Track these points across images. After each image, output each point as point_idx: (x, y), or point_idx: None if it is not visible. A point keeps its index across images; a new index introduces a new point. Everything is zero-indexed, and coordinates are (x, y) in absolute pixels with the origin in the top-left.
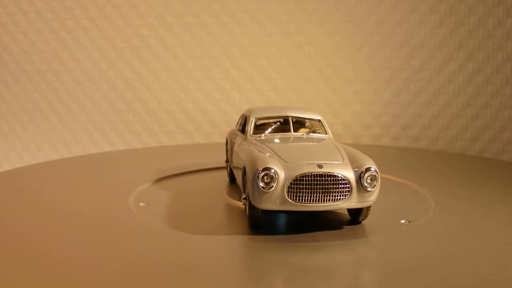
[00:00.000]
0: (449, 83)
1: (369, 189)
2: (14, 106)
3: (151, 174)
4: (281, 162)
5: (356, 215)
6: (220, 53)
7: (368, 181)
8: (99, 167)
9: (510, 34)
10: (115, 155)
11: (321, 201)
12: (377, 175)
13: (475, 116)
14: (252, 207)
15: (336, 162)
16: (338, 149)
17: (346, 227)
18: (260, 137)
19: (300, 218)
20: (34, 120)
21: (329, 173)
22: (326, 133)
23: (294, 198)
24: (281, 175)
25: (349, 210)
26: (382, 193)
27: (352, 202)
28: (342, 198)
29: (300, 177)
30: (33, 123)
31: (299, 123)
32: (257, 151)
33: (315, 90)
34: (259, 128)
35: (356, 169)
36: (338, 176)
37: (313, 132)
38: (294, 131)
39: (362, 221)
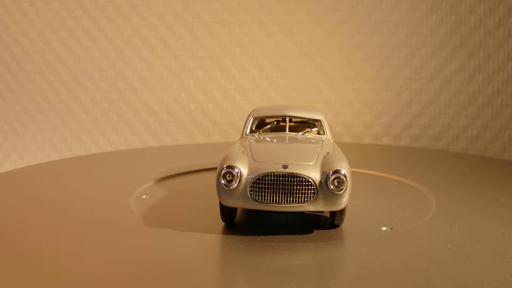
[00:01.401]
0: (450, 82)
1: (336, 192)
2: (15, 106)
3: (152, 174)
4: (250, 161)
5: (332, 219)
6: (221, 53)
7: (335, 184)
8: (100, 167)
9: (511, 33)
10: (116, 155)
11: (284, 202)
12: (344, 179)
13: (476, 115)
14: (220, 203)
15: (306, 163)
16: (321, 151)
17: (320, 231)
18: (253, 136)
19: (287, 218)
20: (35, 120)
21: (292, 174)
22: (324, 133)
23: (257, 197)
24: (245, 174)
25: (330, 213)
26: (385, 193)
27: (318, 205)
28: (307, 200)
29: (262, 176)
30: (34, 123)
31: (299, 123)
32: (235, 149)
33: (316, 89)
34: (260, 127)
35: (324, 171)
36: (301, 177)
37: (310, 132)
38: (292, 131)
39: (352, 223)
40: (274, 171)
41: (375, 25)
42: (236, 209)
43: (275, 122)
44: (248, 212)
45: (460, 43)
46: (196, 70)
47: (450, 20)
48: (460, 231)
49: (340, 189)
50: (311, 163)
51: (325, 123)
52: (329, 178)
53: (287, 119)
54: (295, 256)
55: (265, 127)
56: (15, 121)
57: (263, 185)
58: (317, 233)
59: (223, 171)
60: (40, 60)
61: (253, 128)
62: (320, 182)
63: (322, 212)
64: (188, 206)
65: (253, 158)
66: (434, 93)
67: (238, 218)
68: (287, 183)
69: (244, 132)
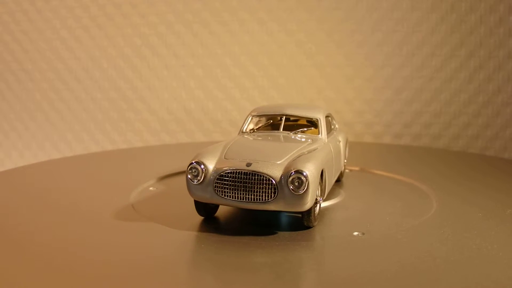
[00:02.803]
0: (450, 80)
1: (296, 192)
2: (15, 105)
3: (153, 173)
4: (219, 158)
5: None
6: (221, 51)
7: (295, 184)
8: (100, 165)
9: None
10: (116, 153)
11: (246, 199)
12: (304, 180)
13: (476, 114)
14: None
15: (272, 162)
16: (301, 150)
17: (290, 232)
18: (247, 134)
19: (272, 217)
20: (35, 119)
21: (253, 172)
22: (319, 133)
23: (221, 193)
24: (211, 170)
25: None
26: (384, 193)
27: (280, 204)
28: (268, 199)
29: (226, 173)
30: (34, 122)
31: (298, 122)
32: (215, 146)
33: (316, 88)
34: (261, 125)
35: (287, 171)
36: (262, 176)
37: (307, 131)
38: (288, 130)
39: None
40: (237, 168)
41: (375, 23)
42: (209, 204)
43: (271, 121)
44: (236, 210)
45: (461, 41)
46: (196, 68)
47: (450, 18)
48: (461, 232)
49: (300, 190)
50: (278, 162)
51: (322, 123)
52: (289, 178)
53: (284, 118)
54: (258, 255)
55: (261, 126)
56: (16, 119)
57: (226, 182)
58: (289, 234)
59: (190, 166)
60: (40, 59)
61: (252, 126)
62: (281, 181)
63: (293, 212)
64: (187, 205)
65: (224, 155)
66: (435, 92)
67: (229, 216)
68: (248, 181)
69: (241, 130)
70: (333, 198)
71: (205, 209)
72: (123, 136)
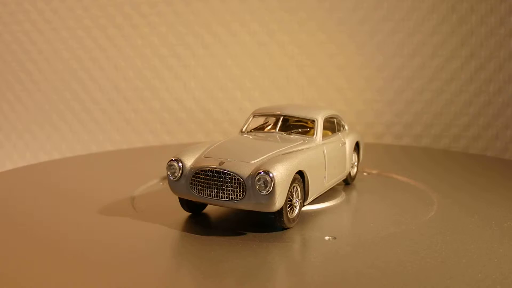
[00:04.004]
0: (451, 81)
1: (262, 193)
2: (16, 105)
3: (153, 173)
4: (199, 156)
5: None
6: (222, 52)
7: (260, 184)
8: (101, 166)
9: None
10: (117, 154)
11: (217, 197)
12: (270, 180)
13: (477, 114)
14: None
15: (245, 162)
16: (283, 151)
17: (261, 234)
18: (245, 133)
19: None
20: (36, 120)
21: (223, 170)
22: (315, 135)
23: (195, 190)
24: (187, 167)
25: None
26: (384, 192)
27: (249, 204)
28: (238, 198)
29: (199, 171)
30: (35, 122)
31: (297, 122)
32: (198, 144)
33: (317, 88)
34: (259, 125)
35: (256, 171)
36: (231, 174)
37: (299, 132)
38: (285, 130)
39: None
40: (209, 167)
41: (376, 24)
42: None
43: (269, 121)
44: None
45: (462, 42)
46: (198, 69)
47: (451, 19)
48: (458, 234)
49: (266, 190)
50: (252, 162)
51: (318, 124)
52: (255, 178)
53: (281, 118)
54: (224, 253)
55: (260, 125)
56: (16, 120)
57: (200, 180)
58: (259, 235)
59: (168, 163)
60: (41, 59)
61: (252, 126)
62: (249, 181)
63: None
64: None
65: (204, 154)
66: (436, 92)
67: (217, 214)
68: (219, 179)
69: (241, 129)
70: (329, 200)
71: (188, 205)
72: (123, 136)
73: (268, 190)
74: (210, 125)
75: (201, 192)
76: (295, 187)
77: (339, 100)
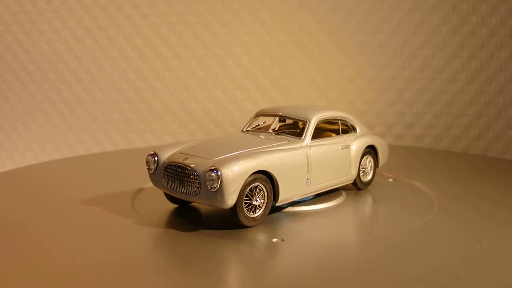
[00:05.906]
0: (452, 81)
1: (211, 189)
2: (16, 106)
3: None
4: (175, 152)
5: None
6: (223, 52)
7: (209, 180)
8: (101, 166)
9: None
10: (118, 154)
11: (179, 191)
12: (216, 178)
13: (478, 115)
14: None
15: (207, 159)
16: (257, 150)
17: (216, 231)
18: (243, 132)
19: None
20: (37, 120)
21: (184, 165)
22: (303, 136)
23: (165, 183)
24: (162, 161)
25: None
26: (383, 192)
27: (203, 199)
28: (194, 192)
29: (167, 165)
30: (36, 122)
31: (293, 123)
32: (185, 142)
33: (317, 89)
34: (257, 125)
35: (209, 168)
36: (188, 170)
37: (291, 133)
38: (278, 130)
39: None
40: (174, 161)
41: (377, 24)
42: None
43: (266, 121)
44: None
45: (462, 42)
46: (198, 69)
47: (452, 19)
48: (460, 234)
49: (213, 187)
50: (214, 159)
51: (309, 125)
52: (205, 174)
53: (277, 118)
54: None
55: (258, 125)
56: (17, 120)
57: (168, 173)
58: (233, 231)
59: (146, 157)
60: (42, 60)
61: (252, 125)
62: (203, 177)
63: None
64: (187, 206)
65: (180, 149)
66: (436, 93)
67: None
68: (180, 174)
69: (242, 129)
70: (325, 202)
71: (171, 198)
72: (124, 137)
73: (216, 187)
74: (211, 126)
75: (169, 186)
76: (257, 187)
77: (339, 101)
